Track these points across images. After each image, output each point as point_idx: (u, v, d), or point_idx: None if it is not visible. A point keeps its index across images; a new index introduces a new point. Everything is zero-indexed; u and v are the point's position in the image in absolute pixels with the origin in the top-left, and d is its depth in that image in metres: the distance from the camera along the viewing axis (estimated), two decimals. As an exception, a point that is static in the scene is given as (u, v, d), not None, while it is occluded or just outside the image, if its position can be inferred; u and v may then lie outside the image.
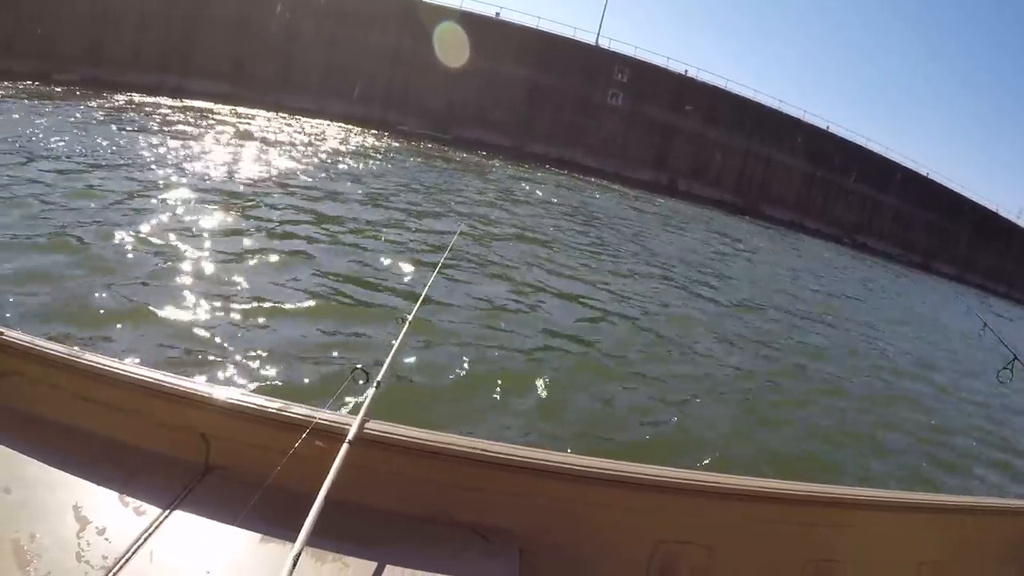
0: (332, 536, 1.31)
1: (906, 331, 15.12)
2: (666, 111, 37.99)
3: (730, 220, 32.83)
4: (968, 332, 14.81)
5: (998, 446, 7.39)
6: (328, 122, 24.20)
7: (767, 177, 43.53)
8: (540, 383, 5.51)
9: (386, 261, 7.92)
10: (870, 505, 2.15)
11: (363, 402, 1.58)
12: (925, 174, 54.96)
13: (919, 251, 53.70)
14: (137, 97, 22.24)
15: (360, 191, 12.18)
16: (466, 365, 5.41)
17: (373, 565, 1.31)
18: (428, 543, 1.42)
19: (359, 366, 1.72)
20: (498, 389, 5.15)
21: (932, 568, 2.34)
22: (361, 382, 1.69)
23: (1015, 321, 39.32)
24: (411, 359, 5.17)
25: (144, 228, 7.01)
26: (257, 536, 1.35)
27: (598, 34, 39.60)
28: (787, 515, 1.99)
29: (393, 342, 1.96)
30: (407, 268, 7.76)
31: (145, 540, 1.28)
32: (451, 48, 30.14)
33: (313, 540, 1.21)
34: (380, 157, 18.10)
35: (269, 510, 1.34)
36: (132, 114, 17.43)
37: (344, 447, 1.37)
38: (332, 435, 1.45)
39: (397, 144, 22.42)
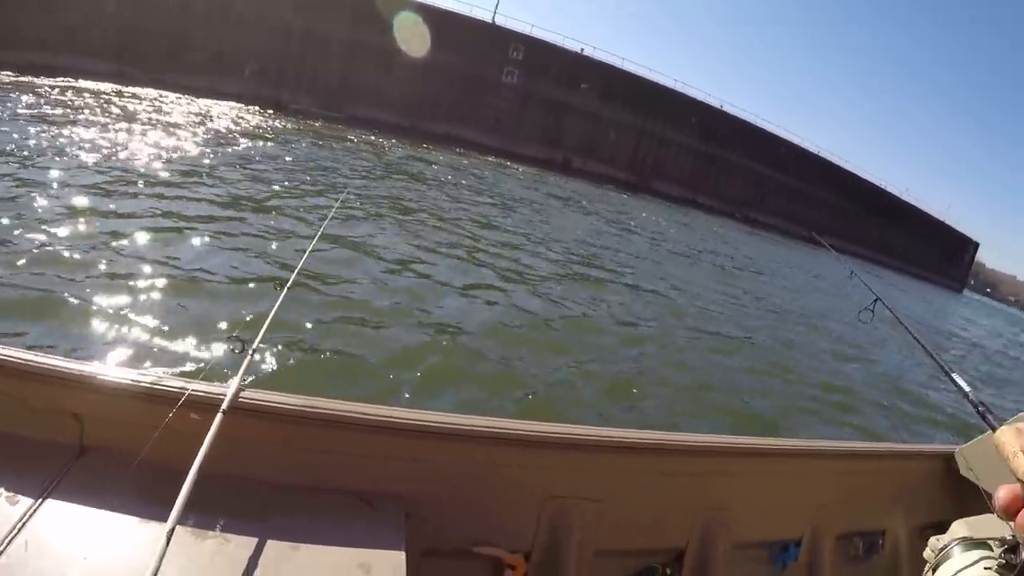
0: (211, 511, 1.32)
1: (789, 291, 17.78)
2: (561, 89, 39.90)
3: (623, 197, 34.93)
4: (846, 291, 17.24)
5: (850, 357, 10.22)
6: (219, 102, 23.93)
7: (660, 155, 46.53)
8: (423, 348, 5.86)
9: (268, 236, 8.04)
10: (760, 453, 2.28)
11: (238, 371, 1.55)
12: (816, 152, 60.06)
13: (807, 225, 58.56)
14: (9, 77, 20.95)
15: (244, 171, 12.18)
16: (349, 330, 5.69)
17: (254, 540, 1.30)
18: (311, 513, 1.42)
19: (235, 334, 1.73)
20: (381, 355, 5.41)
21: (822, 511, 2.53)
22: (237, 351, 1.69)
23: (907, 291, 44.16)
24: (293, 326, 5.34)
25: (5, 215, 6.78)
26: (134, 516, 1.32)
27: (495, 11, 41.66)
28: (678, 466, 2.09)
29: (272, 309, 1.90)
30: (289, 242, 7.92)
31: (19, 530, 1.24)
32: (346, 22, 30.88)
33: (191, 517, 1.25)
34: (270, 137, 18.22)
35: (146, 488, 1.34)
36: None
37: (218, 417, 1.38)
38: (207, 406, 1.43)
39: (289, 124, 22.46)
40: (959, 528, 1.73)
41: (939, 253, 79.35)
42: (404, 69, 33.29)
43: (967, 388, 0.87)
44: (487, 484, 1.78)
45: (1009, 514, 0.58)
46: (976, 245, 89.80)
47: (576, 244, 14.57)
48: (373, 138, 24.96)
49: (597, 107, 41.84)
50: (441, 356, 5.85)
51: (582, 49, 42.30)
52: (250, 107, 24.14)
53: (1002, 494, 0.59)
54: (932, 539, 1.79)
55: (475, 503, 1.76)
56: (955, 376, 0.94)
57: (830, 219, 61.02)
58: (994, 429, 0.68)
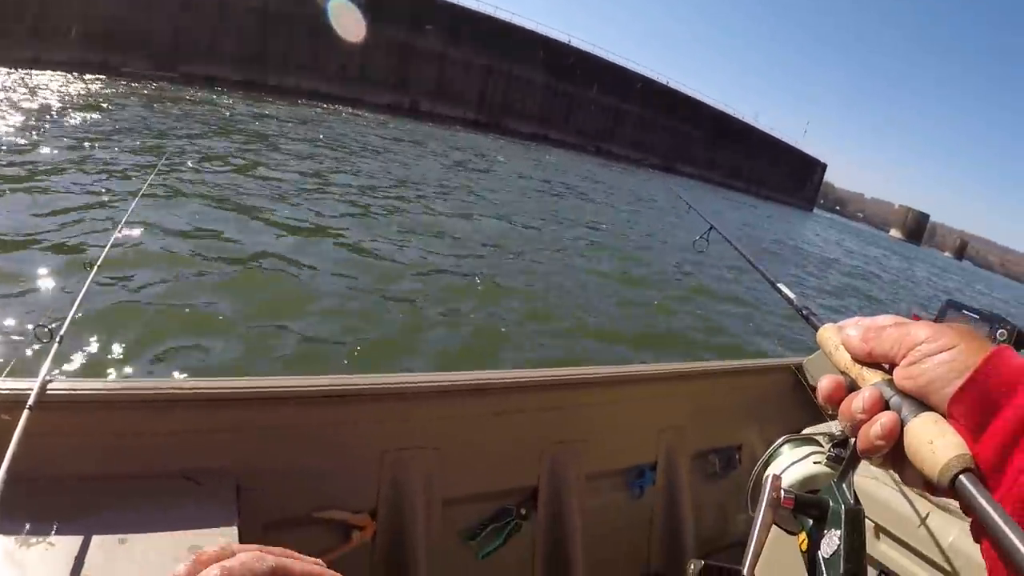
0: (30, 516, 1.25)
1: (629, 217, 19.62)
2: (405, 31, 40.14)
3: (474, 137, 36.21)
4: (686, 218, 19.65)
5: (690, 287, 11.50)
6: (43, 72, 22.08)
7: (510, 92, 48.20)
8: (263, 312, 5.99)
9: (77, 212, 7.62)
10: (605, 382, 2.34)
11: (45, 362, 1.44)
12: (665, 83, 63.37)
13: (660, 155, 62.37)
14: None
15: (59, 144, 11.33)
16: (166, 304, 5.65)
17: (79, 539, 1.23)
18: (138, 502, 1.35)
19: (41, 323, 1.63)
20: (203, 330, 5.40)
21: (676, 432, 2.64)
22: (45, 340, 1.60)
23: (758, 211, 47.89)
24: (108, 309, 5.21)
25: None
26: None
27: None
28: (519, 404, 2.12)
29: (80, 292, 1.74)
30: (103, 216, 7.53)
31: None
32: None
33: (6, 525, 1.20)
34: (95, 105, 17.08)
35: None
36: None
37: (24, 414, 1.30)
38: (10, 404, 1.34)
39: (119, 89, 21.47)
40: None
41: (789, 175, 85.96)
42: (240, 19, 32.67)
43: (792, 296, 0.92)
44: (322, 445, 1.74)
45: (832, 403, 0.64)
46: (824, 166, 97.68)
47: (422, 187, 15.11)
48: (210, 95, 24.74)
49: (443, 48, 42.67)
50: (287, 318, 5.99)
51: (426, -12, 42.61)
52: (76, 75, 23.04)
53: (824, 384, 0.65)
54: None
55: (312, 467, 1.72)
56: (780, 286, 0.97)
57: (683, 147, 65.60)
58: (816, 328, 0.75)
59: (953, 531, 1.72)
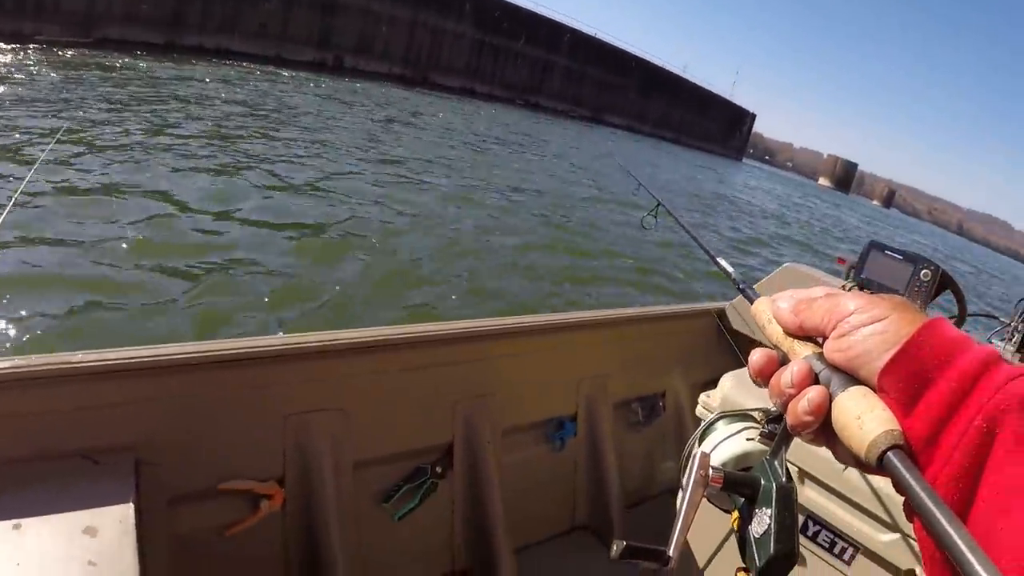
0: None
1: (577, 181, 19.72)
2: None
3: (401, 93, 36.24)
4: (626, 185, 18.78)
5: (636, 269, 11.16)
6: None
7: (435, 46, 48.24)
8: (187, 280, 6.04)
9: None
10: (519, 332, 2.29)
11: None
12: (593, 34, 63.97)
13: (590, 106, 63.64)
14: None
15: None
16: (63, 275, 5.58)
17: None
18: (34, 485, 1.32)
19: None
20: (99, 298, 5.36)
21: (596, 382, 2.62)
22: None
23: (688, 162, 48.70)
24: (15, 281, 5.22)
25: None
26: None
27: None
28: (428, 359, 2.08)
29: None
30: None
31: None
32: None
33: None
34: (4, 77, 16.26)
35: None
36: None
37: None
38: None
39: (32, 58, 20.56)
40: (727, 381, 2.07)
41: (719, 126, 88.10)
42: None
43: (730, 269, 0.94)
44: (223, 413, 1.68)
45: (764, 377, 0.63)
46: (753, 117, 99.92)
47: (349, 146, 15.22)
48: (126, 60, 24.31)
49: (366, 2, 42.45)
50: (211, 280, 6.09)
51: (350, -59, 42.04)
52: None
53: (755, 358, 0.64)
54: (702, 396, 2.18)
55: (215, 436, 1.67)
56: (720, 260, 1.00)
57: (612, 99, 66.84)
58: (752, 301, 0.74)
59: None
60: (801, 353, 0.61)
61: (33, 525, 1.23)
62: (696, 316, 3.09)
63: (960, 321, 2.32)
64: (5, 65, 18.60)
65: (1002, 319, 3.13)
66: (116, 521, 1.26)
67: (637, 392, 2.90)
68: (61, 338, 4.82)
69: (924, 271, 1.98)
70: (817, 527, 1.86)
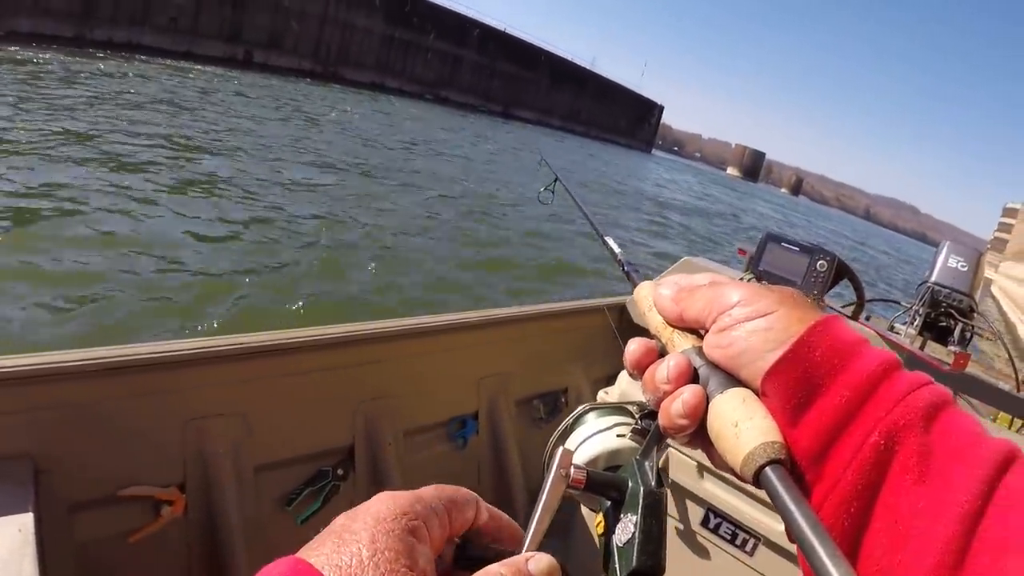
0: None
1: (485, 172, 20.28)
2: None
3: (310, 88, 36.69)
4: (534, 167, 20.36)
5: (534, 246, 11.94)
6: None
7: (345, 41, 49.15)
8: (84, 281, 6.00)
9: None
10: (416, 333, 2.28)
11: None
12: (502, 29, 66.27)
13: (500, 101, 65.69)
14: None
15: None
16: None
17: None
18: None
19: None
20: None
21: (497, 380, 2.63)
22: None
23: (597, 155, 49.30)
24: None
25: None
26: None
27: None
28: (325, 362, 2.07)
29: None
30: None
31: None
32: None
33: None
34: None
35: None
36: None
37: None
38: None
39: None
40: (625, 376, 2.06)
41: (627, 118, 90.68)
42: None
43: (617, 250, 0.87)
44: (121, 420, 1.65)
45: (640, 369, 0.56)
46: (661, 108, 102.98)
47: (240, 145, 14.99)
48: (32, 53, 23.85)
49: (277, -3, 42.63)
50: (75, 286, 5.94)
51: (260, -65, 42.29)
52: None
53: (632, 348, 0.58)
54: (601, 392, 2.15)
55: (115, 443, 1.65)
56: (608, 239, 0.93)
57: (521, 93, 68.78)
58: (635, 285, 0.69)
59: None
60: (680, 346, 0.56)
61: None
62: (597, 311, 3.05)
63: (859, 308, 2.34)
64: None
65: (903, 303, 3.13)
66: (15, 529, 1.25)
67: (539, 389, 2.90)
68: None
69: (820, 261, 1.98)
70: (718, 519, 1.86)
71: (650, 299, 0.63)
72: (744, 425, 0.47)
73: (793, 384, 0.47)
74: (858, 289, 2.29)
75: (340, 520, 0.44)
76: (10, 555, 1.20)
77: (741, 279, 1.71)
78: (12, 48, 24.45)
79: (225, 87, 27.68)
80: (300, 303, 6.82)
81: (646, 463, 0.61)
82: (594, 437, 0.87)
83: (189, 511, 1.82)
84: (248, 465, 1.95)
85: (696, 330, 0.57)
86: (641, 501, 0.58)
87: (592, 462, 0.78)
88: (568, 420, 0.90)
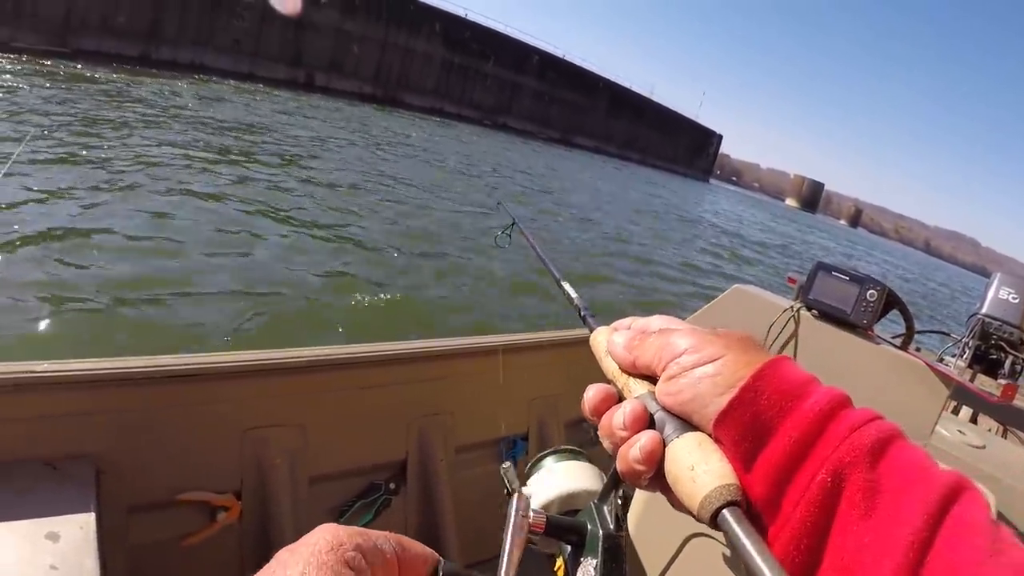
0: None
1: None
2: (301, 4, 39.90)
3: (369, 112, 36.83)
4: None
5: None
6: None
7: (406, 66, 49.43)
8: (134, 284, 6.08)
9: None
10: (471, 352, 2.34)
11: None
12: (561, 56, 65.74)
13: (558, 128, 64.96)
14: None
15: None
16: (30, 284, 5.66)
17: None
18: None
19: None
20: (63, 309, 5.42)
21: (547, 402, 2.66)
22: None
23: (658, 184, 49.26)
24: None
25: None
26: None
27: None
28: (383, 377, 2.10)
29: None
30: None
31: None
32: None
33: None
34: None
35: None
36: None
37: None
38: None
39: (7, 66, 20.36)
40: None
41: (686, 147, 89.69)
42: None
43: (574, 295, 0.90)
44: (183, 426, 1.71)
45: (598, 416, 0.57)
46: (720, 137, 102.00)
47: (309, 163, 15.18)
48: (101, 71, 24.34)
49: (338, 21, 43.39)
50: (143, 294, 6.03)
51: (322, -39, 43.01)
52: None
53: (590, 394, 0.58)
54: None
55: (174, 448, 1.70)
56: (564, 284, 0.97)
57: (580, 120, 68.15)
58: (591, 330, 0.70)
59: None
60: (636, 392, 0.57)
61: None
62: None
63: (908, 339, 2.35)
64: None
65: (953, 335, 3.08)
66: (77, 527, 1.29)
67: None
68: (28, 344, 4.90)
69: (870, 291, 2.01)
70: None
71: (604, 345, 0.64)
72: (700, 469, 0.47)
73: (743, 428, 0.48)
74: (907, 320, 2.28)
75: (282, 553, 0.44)
76: (74, 552, 1.24)
77: (791, 307, 2.16)
78: (78, 65, 24.93)
79: (280, 106, 27.70)
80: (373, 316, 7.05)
81: (604, 507, 0.63)
82: (556, 480, 0.92)
83: (244, 518, 1.84)
84: (303, 476, 1.97)
85: (650, 376, 0.57)
86: (601, 545, 0.59)
87: (548, 506, 0.80)
88: (529, 464, 0.94)
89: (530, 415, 2.65)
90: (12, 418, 1.47)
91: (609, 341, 0.63)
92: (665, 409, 0.53)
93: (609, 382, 0.61)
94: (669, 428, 0.52)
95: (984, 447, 2.28)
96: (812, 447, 0.46)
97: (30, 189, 8.24)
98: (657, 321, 0.62)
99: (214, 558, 1.84)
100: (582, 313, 0.83)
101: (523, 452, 2.61)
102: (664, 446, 0.51)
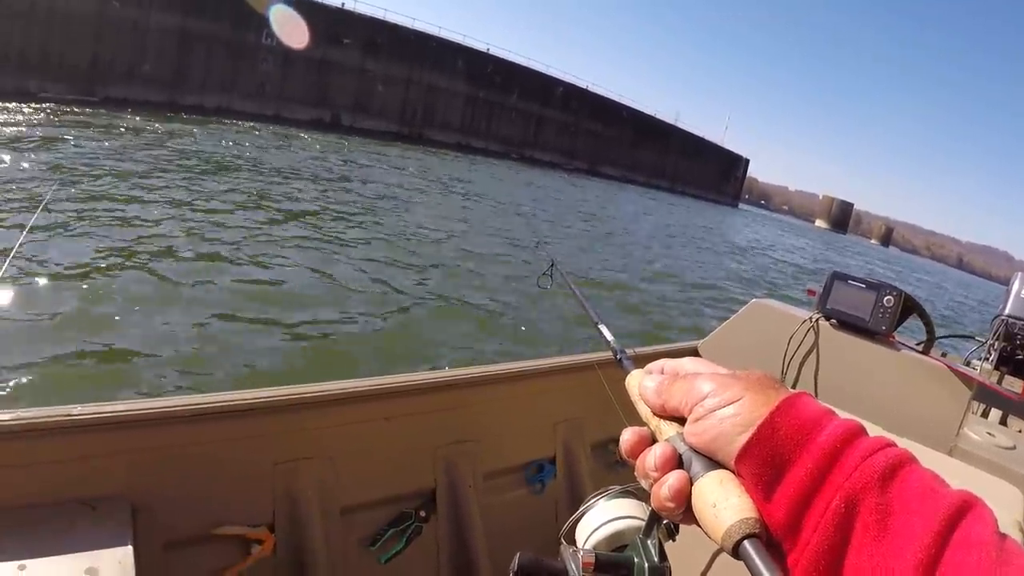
0: None
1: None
2: (323, 46, 40.91)
3: (393, 150, 36.41)
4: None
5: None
6: None
7: (430, 103, 49.60)
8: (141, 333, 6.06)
9: None
10: (494, 379, 2.36)
11: None
12: (585, 87, 65.72)
13: (584, 158, 64.69)
14: None
15: None
16: (60, 329, 5.81)
17: None
18: (34, 529, 1.37)
19: None
20: (100, 357, 5.52)
21: (572, 425, 2.69)
22: None
23: (688, 209, 49.56)
24: None
25: None
26: None
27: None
28: (409, 407, 2.14)
29: None
30: None
31: None
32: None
33: None
34: (9, 135, 16.36)
35: None
36: None
37: None
38: None
39: (37, 116, 20.84)
40: None
41: (713, 172, 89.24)
42: (158, 41, 32.97)
43: (610, 338, 0.98)
44: (215, 462, 1.75)
45: (634, 457, 0.61)
46: (747, 162, 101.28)
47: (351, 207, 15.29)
48: (127, 118, 24.51)
49: (361, 61, 43.78)
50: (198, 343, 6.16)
51: (343, 3, 43.67)
52: None
53: (626, 437, 0.63)
54: None
55: (208, 484, 1.74)
56: (601, 327, 1.04)
57: (606, 150, 67.89)
58: (627, 373, 0.75)
59: None
60: (666, 434, 0.60)
61: (38, 565, 1.30)
62: (670, 355, 3.05)
63: (929, 343, 2.40)
64: (9, 123, 18.63)
65: (978, 338, 3.17)
66: (116, 562, 1.33)
67: (613, 432, 2.86)
68: (58, 385, 5.01)
69: (887, 297, 2.07)
70: None
71: (637, 390, 0.68)
72: (722, 505, 0.51)
73: (762, 463, 0.52)
74: (928, 324, 2.33)
75: None
76: None
77: (810, 318, 2.41)
78: (108, 113, 25.03)
79: (306, 149, 27.69)
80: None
81: (649, 541, 0.69)
82: (600, 519, 0.95)
83: (278, 550, 1.88)
84: (334, 506, 2.01)
85: (679, 418, 0.61)
86: None
87: (597, 544, 0.87)
88: (580, 509, 0.98)
89: (556, 439, 2.66)
90: (50, 460, 1.51)
91: (641, 386, 0.67)
92: (693, 449, 0.57)
93: (643, 423, 0.65)
94: (696, 467, 0.55)
95: (1014, 447, 2.26)
96: (827, 476, 0.49)
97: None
98: (688, 364, 0.65)
99: None
100: (618, 356, 0.88)
101: (551, 476, 2.61)
102: (692, 484, 0.55)
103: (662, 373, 0.67)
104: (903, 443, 2.23)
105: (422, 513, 2.22)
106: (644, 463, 0.59)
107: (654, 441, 0.61)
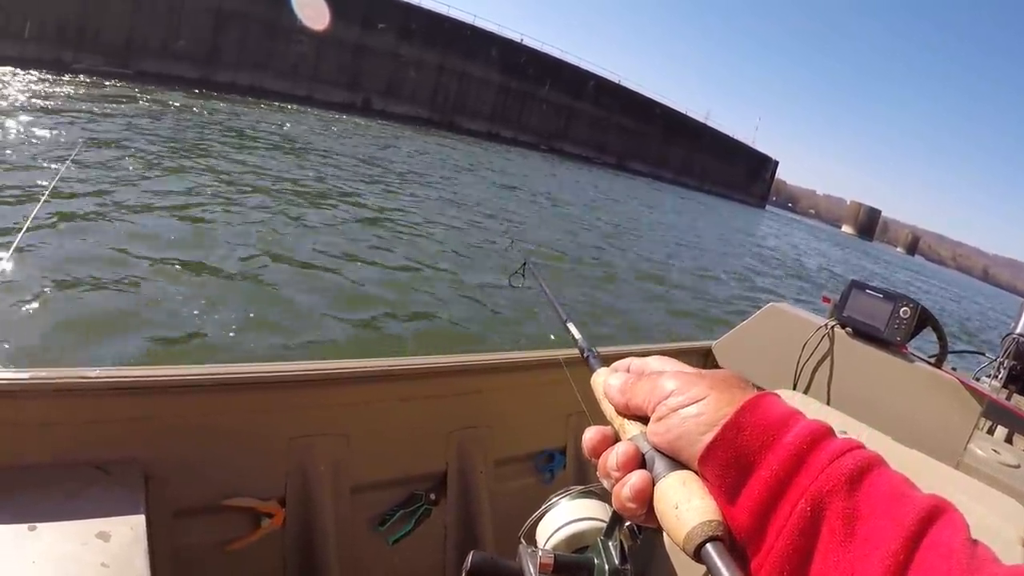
0: None
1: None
2: (358, 30, 40.83)
3: (425, 136, 36.45)
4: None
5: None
6: None
7: (462, 91, 49.30)
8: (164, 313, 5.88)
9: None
10: (510, 367, 2.37)
11: None
12: (617, 82, 65.06)
13: (613, 153, 64.19)
14: None
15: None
16: (79, 295, 5.74)
17: None
18: (46, 492, 1.37)
19: None
20: (112, 321, 5.47)
21: (580, 417, 2.59)
22: None
23: (713, 209, 49.37)
24: (14, 298, 5.32)
25: None
26: None
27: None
28: (425, 390, 2.15)
29: None
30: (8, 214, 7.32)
31: None
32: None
33: None
34: (46, 106, 16.33)
35: None
36: None
37: None
38: None
39: (71, 88, 20.74)
40: None
41: (742, 172, 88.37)
42: (194, 17, 33.07)
43: (578, 336, 0.97)
44: (229, 433, 1.75)
45: (596, 456, 0.60)
46: (776, 163, 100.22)
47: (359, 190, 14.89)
48: (160, 93, 24.45)
49: (395, 46, 43.50)
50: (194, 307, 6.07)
51: (379, -12, 43.24)
52: (28, 72, 22.32)
53: (589, 435, 0.61)
54: None
55: (220, 455, 1.74)
56: (569, 325, 1.04)
57: (636, 146, 67.29)
58: (592, 371, 0.74)
59: None
60: (630, 433, 0.58)
61: (48, 528, 1.29)
62: (682, 354, 3.06)
63: (942, 357, 2.37)
64: (46, 93, 18.74)
65: (988, 355, 3.21)
66: (128, 528, 1.32)
67: None
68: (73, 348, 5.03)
69: (904, 308, 2.08)
70: None
71: (602, 388, 0.67)
72: (684, 506, 0.49)
73: (726, 464, 0.50)
74: (941, 338, 2.30)
75: None
76: (124, 552, 1.28)
77: (826, 325, 2.44)
78: (142, 87, 25.14)
79: (337, 130, 27.69)
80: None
81: (610, 542, 0.68)
82: (562, 519, 0.98)
83: (287, 524, 1.89)
84: (346, 484, 2.01)
85: (643, 417, 0.59)
86: None
87: (557, 545, 0.86)
88: (541, 509, 1.00)
89: (567, 429, 2.66)
90: (63, 422, 1.50)
91: (606, 385, 0.65)
92: (656, 449, 0.55)
93: (608, 423, 0.63)
94: (659, 467, 0.53)
95: (1019, 466, 2.27)
96: (793, 478, 0.47)
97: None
98: (653, 363, 0.64)
99: (257, 563, 1.87)
100: (585, 354, 0.87)
101: (562, 466, 2.62)
102: (654, 485, 0.53)
103: (628, 372, 0.65)
104: (911, 454, 1.75)
105: (432, 496, 2.22)
106: (606, 462, 0.57)
107: (618, 440, 0.59)
